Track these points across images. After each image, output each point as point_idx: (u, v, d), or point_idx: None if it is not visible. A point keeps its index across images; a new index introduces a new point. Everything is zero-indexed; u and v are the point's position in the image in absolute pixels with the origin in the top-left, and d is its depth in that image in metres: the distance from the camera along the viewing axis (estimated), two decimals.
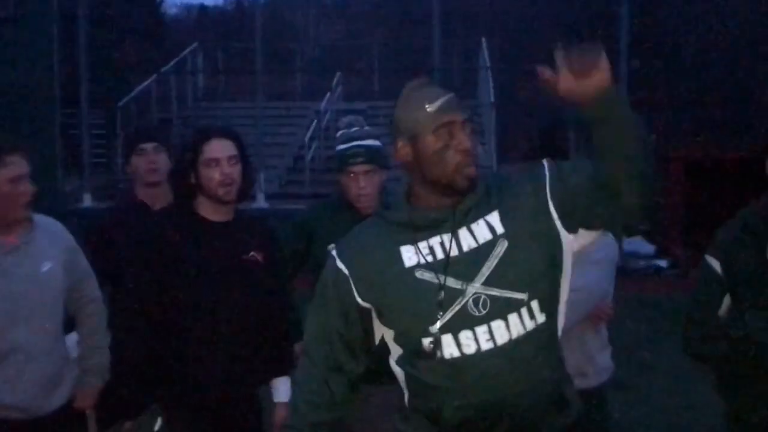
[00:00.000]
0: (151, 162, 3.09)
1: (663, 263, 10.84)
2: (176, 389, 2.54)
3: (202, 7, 30.82)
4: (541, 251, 1.79)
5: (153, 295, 2.50)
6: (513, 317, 1.76)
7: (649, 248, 11.14)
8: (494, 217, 1.80)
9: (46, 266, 2.60)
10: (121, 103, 13.35)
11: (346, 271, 1.88)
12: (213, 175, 2.51)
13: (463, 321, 1.76)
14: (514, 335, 1.76)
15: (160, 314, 2.50)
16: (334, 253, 1.93)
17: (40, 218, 2.66)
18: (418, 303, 1.80)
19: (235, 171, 2.53)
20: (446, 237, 1.80)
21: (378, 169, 2.79)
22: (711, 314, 2.35)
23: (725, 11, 17.04)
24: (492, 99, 12.75)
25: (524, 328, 1.76)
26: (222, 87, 16.91)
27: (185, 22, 28.88)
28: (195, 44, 15.94)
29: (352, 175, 2.78)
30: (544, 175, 1.82)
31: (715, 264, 2.35)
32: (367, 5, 26.61)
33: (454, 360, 1.77)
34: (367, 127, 2.91)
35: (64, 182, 12.04)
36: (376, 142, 2.84)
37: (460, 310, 1.76)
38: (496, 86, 13.21)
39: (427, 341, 1.79)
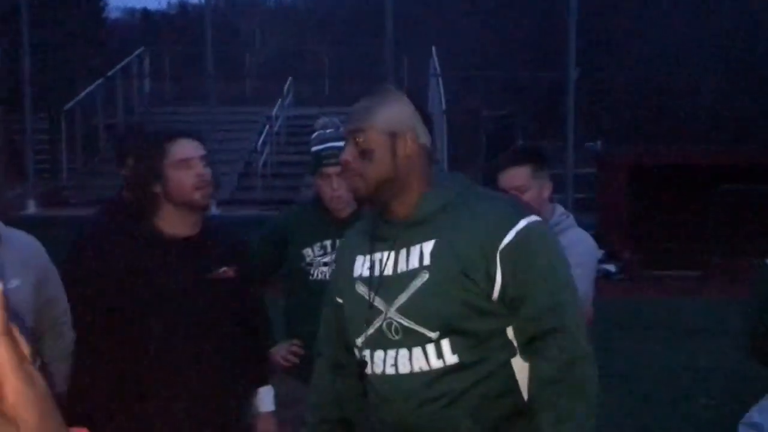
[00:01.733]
0: None
1: (611, 268, 11.04)
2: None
3: (146, 12, 30.39)
4: (463, 296, 1.68)
5: (107, 330, 2.22)
6: (417, 351, 1.71)
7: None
8: (428, 246, 1.72)
9: (12, 283, 2.38)
10: (66, 108, 13.04)
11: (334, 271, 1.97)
12: (186, 177, 2.21)
13: (380, 341, 1.76)
14: (416, 369, 1.72)
15: (118, 349, 2.21)
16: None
17: (11, 233, 2.46)
18: (352, 314, 1.83)
19: (209, 172, 2.27)
20: (385, 255, 1.77)
21: None
22: None
23: (669, 23, 17.51)
24: (443, 107, 12.81)
25: (428, 365, 1.71)
26: (169, 92, 16.66)
27: (128, 27, 28.41)
28: (142, 48, 15.68)
29: (326, 176, 2.76)
30: (505, 240, 1.67)
31: None
32: (318, 11, 26.58)
33: (369, 376, 1.81)
34: (342, 129, 2.88)
35: (6, 188, 11.68)
36: None
37: (378, 329, 1.77)
38: (446, 94, 13.29)
39: (357, 352, 1.84)
